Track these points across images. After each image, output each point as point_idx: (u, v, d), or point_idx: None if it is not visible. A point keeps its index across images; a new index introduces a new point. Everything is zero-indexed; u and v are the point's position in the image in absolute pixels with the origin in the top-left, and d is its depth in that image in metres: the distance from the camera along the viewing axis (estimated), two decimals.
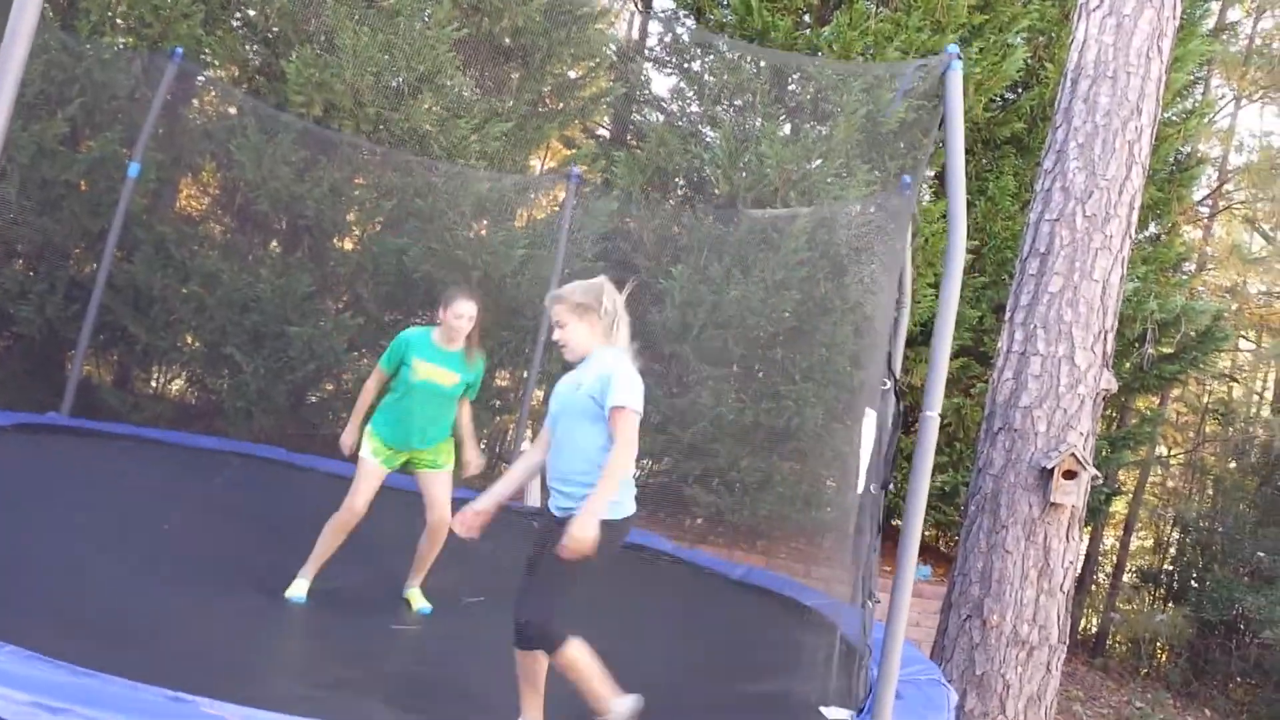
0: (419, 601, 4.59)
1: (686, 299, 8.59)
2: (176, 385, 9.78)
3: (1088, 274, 5.56)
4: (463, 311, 4.39)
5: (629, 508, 3.17)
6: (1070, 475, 5.46)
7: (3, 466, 5.41)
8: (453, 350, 4.47)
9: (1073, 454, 5.42)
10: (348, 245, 8.87)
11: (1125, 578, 13.55)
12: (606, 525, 2.98)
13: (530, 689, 3.17)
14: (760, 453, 8.69)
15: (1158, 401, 12.93)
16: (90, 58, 7.56)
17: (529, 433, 8.75)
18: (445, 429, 4.59)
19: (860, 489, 4.07)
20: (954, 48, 3.49)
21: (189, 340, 8.27)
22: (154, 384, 9.66)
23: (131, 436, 6.97)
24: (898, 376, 4.21)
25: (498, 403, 9.40)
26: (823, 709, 3.66)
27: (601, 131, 11.43)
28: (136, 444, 6.82)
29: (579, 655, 3.02)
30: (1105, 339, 5.62)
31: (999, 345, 5.93)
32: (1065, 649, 5.70)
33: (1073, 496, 5.48)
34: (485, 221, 8.55)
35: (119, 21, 7.77)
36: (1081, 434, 5.55)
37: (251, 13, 8.15)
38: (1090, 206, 5.58)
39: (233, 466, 6.68)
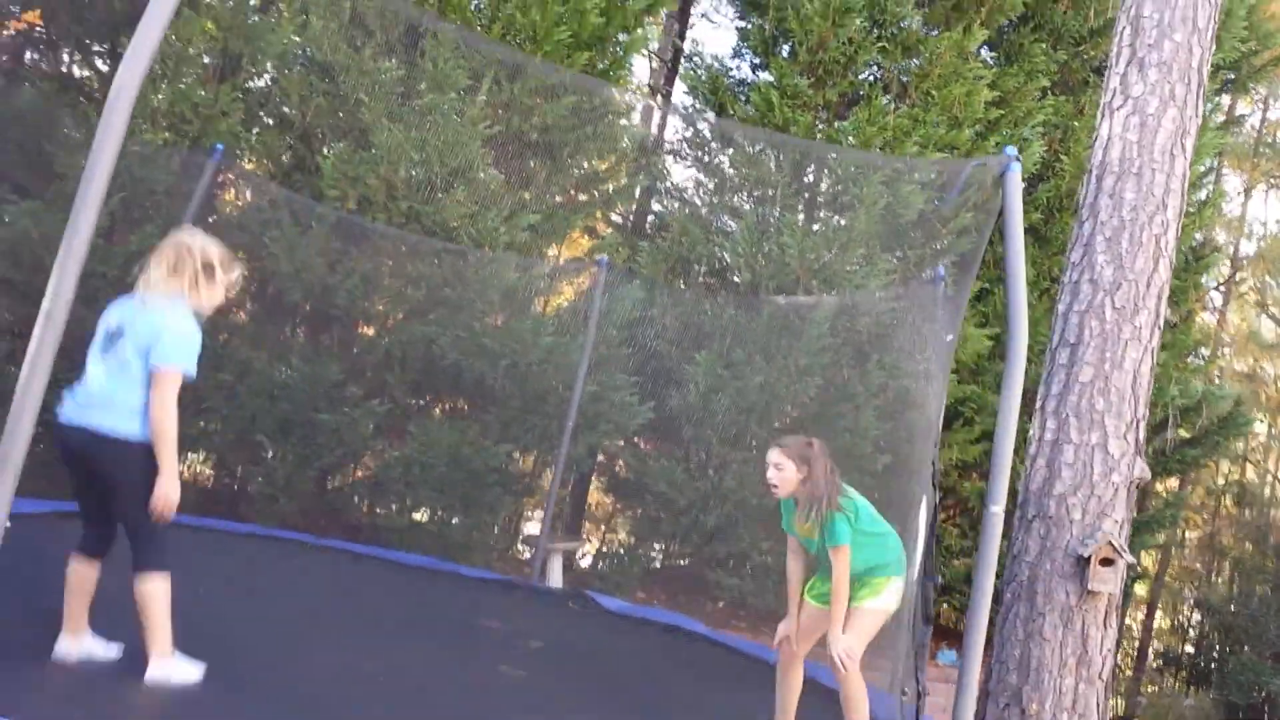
0: None
1: (710, 385, 8.69)
2: (206, 472, 9.83)
3: (1118, 364, 5.65)
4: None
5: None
6: (1107, 563, 5.48)
7: (36, 550, 5.42)
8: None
9: (1109, 542, 5.45)
10: (372, 332, 8.99)
11: (1148, 661, 13.43)
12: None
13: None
14: (783, 537, 8.71)
15: (1178, 485, 12.94)
16: (132, 154, 7.76)
17: (558, 517, 8.79)
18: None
19: (914, 576, 4.10)
20: (1012, 149, 3.63)
21: (219, 427, 8.35)
22: (183, 470, 9.70)
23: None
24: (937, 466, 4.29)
25: (517, 486, 9.44)
26: None
27: (624, 221, 11.66)
28: (171, 529, 6.84)
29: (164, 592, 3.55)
30: (1137, 427, 5.68)
31: (1030, 433, 5.99)
32: None
33: (1110, 584, 5.48)
34: (512, 310, 8.69)
35: (160, 120, 7.99)
36: (1117, 521, 5.58)
37: (289, 111, 8.37)
38: (1119, 299, 5.68)
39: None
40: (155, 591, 3.53)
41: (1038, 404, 5.97)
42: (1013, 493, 7.19)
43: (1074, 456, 5.66)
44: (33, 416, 2.56)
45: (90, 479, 3.60)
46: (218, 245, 3.75)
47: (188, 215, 7.43)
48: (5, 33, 8.44)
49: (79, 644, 3.71)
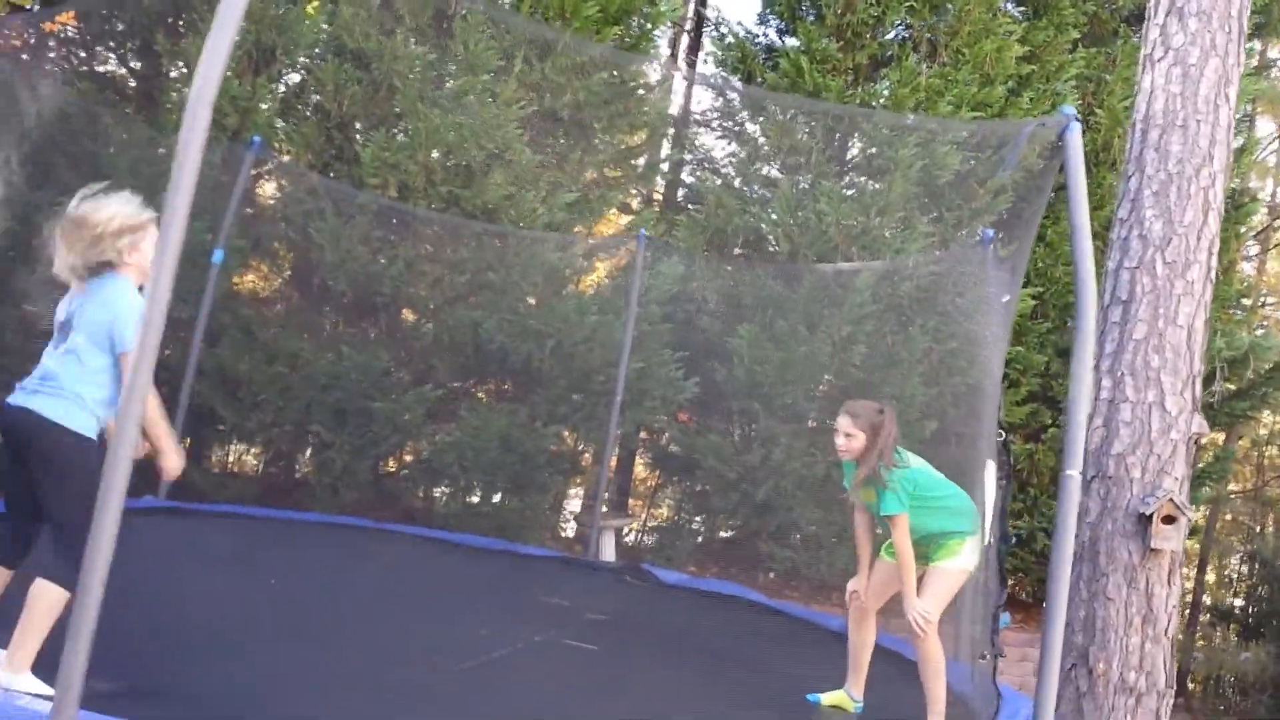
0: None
1: (754, 357, 8.71)
2: (263, 463, 9.96)
3: (1172, 320, 5.64)
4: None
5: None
6: (1169, 520, 5.50)
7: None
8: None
9: (1170, 499, 5.47)
10: (418, 317, 9.07)
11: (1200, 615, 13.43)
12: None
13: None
14: (834, 506, 8.75)
15: (1223, 439, 12.85)
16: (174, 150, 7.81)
17: (606, 494, 8.85)
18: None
19: (985, 541, 4.12)
20: (1070, 109, 3.60)
21: (274, 419, 8.45)
22: (241, 463, 9.86)
23: (231, 514, 7.15)
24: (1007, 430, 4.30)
25: (568, 465, 9.52)
26: None
27: (659, 196, 11.65)
28: (236, 520, 7.01)
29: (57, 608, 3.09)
30: (1194, 383, 5.68)
31: None
32: (1173, 694, 5.69)
33: (1173, 541, 5.51)
34: (555, 290, 8.74)
35: None
36: (1176, 479, 5.59)
37: (324, 100, 8.42)
38: (1170, 253, 5.67)
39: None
40: (50, 602, 3.16)
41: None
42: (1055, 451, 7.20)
43: (1131, 415, 5.67)
44: (136, 425, 2.60)
45: (21, 468, 3.32)
46: (118, 201, 3.34)
47: (229, 208, 7.52)
48: (40, 33, 8.52)
49: None
